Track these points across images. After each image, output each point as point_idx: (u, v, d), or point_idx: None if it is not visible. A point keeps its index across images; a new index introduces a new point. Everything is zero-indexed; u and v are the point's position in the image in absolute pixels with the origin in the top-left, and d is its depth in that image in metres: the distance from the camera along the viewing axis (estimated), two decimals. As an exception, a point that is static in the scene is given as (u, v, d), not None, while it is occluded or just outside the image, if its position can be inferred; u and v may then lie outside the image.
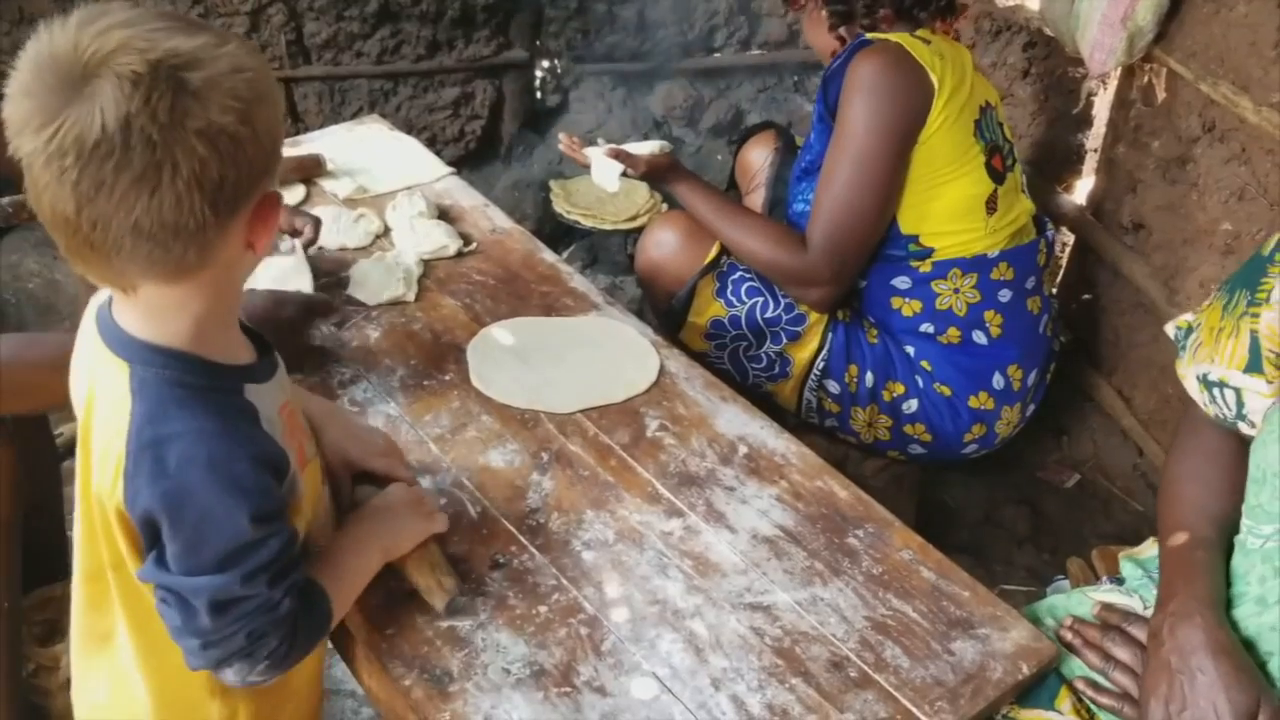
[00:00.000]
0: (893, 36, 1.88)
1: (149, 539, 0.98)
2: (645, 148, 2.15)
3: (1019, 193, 2.04)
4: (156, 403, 0.96)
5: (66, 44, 0.85)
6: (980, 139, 1.93)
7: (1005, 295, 2.00)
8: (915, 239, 1.96)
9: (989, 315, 2.01)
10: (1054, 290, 2.48)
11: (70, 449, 1.09)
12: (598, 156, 2.13)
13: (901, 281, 2.00)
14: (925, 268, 1.98)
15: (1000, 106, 2.03)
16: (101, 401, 0.99)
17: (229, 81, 0.88)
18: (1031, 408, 2.14)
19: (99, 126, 0.83)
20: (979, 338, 2.02)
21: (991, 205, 1.95)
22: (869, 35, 1.91)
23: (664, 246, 2.12)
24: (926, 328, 2.02)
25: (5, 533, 1.59)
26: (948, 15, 2.02)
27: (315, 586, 1.10)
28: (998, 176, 1.96)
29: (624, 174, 2.13)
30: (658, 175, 2.14)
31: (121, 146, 0.83)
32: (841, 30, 2.00)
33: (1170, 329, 1.42)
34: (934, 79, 1.84)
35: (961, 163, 1.91)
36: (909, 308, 2.02)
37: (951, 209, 1.94)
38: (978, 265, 1.97)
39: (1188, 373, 1.34)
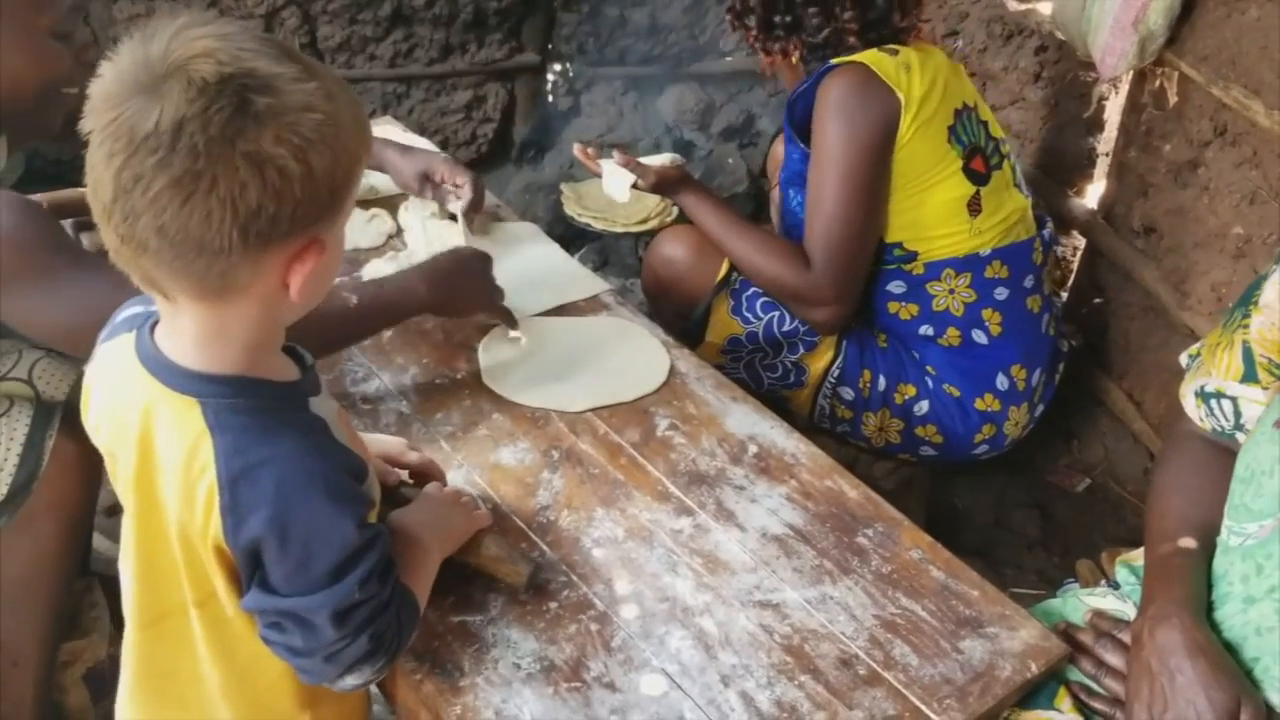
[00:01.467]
0: (857, 56, 1.88)
1: (249, 569, 0.98)
2: (656, 159, 2.15)
3: (1009, 189, 2.02)
4: (239, 433, 0.95)
5: (161, 42, 0.86)
6: (956, 143, 1.93)
7: (1002, 293, 2.00)
8: (899, 245, 1.96)
9: (987, 314, 2.00)
10: (1057, 290, 2.47)
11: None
12: (610, 166, 2.13)
13: (896, 286, 2.01)
14: (918, 270, 1.98)
15: (982, 105, 2.02)
16: (165, 440, 0.98)
17: (294, 116, 0.87)
18: (1040, 408, 2.13)
19: (153, 122, 0.83)
20: (979, 337, 2.02)
21: (975, 207, 1.95)
22: (835, 61, 1.91)
23: (673, 265, 2.11)
24: (926, 330, 2.02)
25: (73, 533, 1.58)
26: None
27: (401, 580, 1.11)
28: (979, 178, 1.95)
29: (634, 185, 2.13)
30: (668, 187, 2.13)
31: (167, 147, 0.83)
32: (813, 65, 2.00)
33: (1183, 358, 1.43)
34: (900, 95, 1.85)
35: (938, 169, 1.91)
36: (906, 311, 2.02)
37: (933, 215, 1.94)
38: (970, 264, 1.97)
39: (1186, 390, 1.36)
